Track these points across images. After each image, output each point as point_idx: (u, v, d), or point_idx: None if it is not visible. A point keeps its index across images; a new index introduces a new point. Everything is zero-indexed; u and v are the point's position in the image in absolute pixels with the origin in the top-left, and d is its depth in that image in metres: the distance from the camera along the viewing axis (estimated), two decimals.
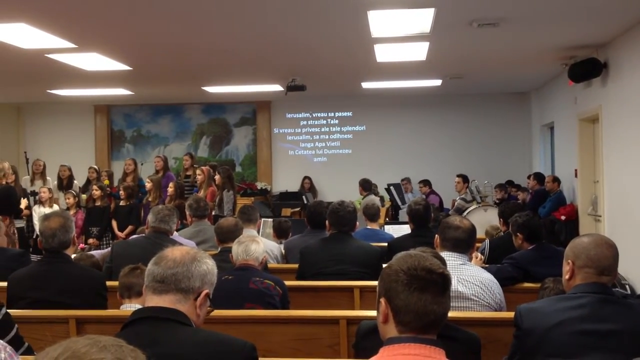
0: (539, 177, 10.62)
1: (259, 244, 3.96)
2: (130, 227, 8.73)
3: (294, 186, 13.63)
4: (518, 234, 4.53)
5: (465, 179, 10.47)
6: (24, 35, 6.79)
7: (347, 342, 3.29)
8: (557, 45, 7.98)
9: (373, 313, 2.09)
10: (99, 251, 6.38)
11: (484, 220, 8.52)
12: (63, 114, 14.22)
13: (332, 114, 14.19)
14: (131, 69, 9.06)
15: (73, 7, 5.86)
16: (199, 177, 8.98)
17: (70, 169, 10.08)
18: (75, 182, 10.08)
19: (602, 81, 8.07)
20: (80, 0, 5.65)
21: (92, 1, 5.68)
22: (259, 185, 13.60)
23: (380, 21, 6.45)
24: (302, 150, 14.32)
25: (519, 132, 13.47)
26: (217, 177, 8.67)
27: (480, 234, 5.29)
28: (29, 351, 2.92)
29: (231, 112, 14.29)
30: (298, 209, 11.93)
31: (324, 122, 14.26)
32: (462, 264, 3.42)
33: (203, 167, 9.22)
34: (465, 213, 9.38)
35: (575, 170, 9.51)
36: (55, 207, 8.90)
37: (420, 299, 1.93)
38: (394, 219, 10.60)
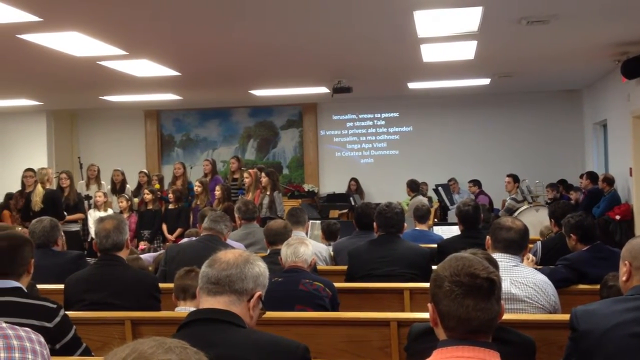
0: (592, 176, 10.37)
1: (308, 246, 3.97)
2: (179, 230, 8.87)
3: (341, 188, 13.63)
4: (571, 234, 4.43)
5: (515, 178, 10.30)
6: (77, 44, 6.98)
7: (398, 345, 3.27)
8: (609, 42, 7.79)
9: (424, 315, 2.09)
10: (152, 254, 6.51)
11: (536, 220, 8.38)
12: (114, 120, 14.56)
13: (379, 115, 14.14)
14: (180, 74, 9.21)
15: (123, 15, 5.99)
16: (247, 180, 9.05)
17: (123, 173, 10.30)
18: (127, 186, 10.30)
19: None
20: (130, 9, 5.78)
21: (142, 9, 5.81)
22: (306, 187, 13.65)
23: (426, 21, 6.41)
24: (349, 151, 14.31)
25: (571, 130, 13.17)
26: (264, 179, 8.71)
27: (532, 234, 5.20)
28: (86, 352, 3.00)
29: (278, 115, 14.39)
30: (346, 210, 11.92)
31: (371, 123, 14.22)
32: (514, 266, 3.36)
33: (250, 170, 9.29)
34: (516, 213, 9.24)
35: (630, 168, 9.26)
36: (110, 211, 9.09)
37: (462, 305, 1.91)
38: (442, 220, 10.50)
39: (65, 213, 8.41)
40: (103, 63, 8.15)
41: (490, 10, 6.04)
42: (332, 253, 5.58)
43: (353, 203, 11.63)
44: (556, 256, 4.47)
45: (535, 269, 3.79)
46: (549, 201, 10.30)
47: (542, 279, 3.38)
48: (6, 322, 2.28)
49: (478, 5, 5.91)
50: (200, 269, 2.25)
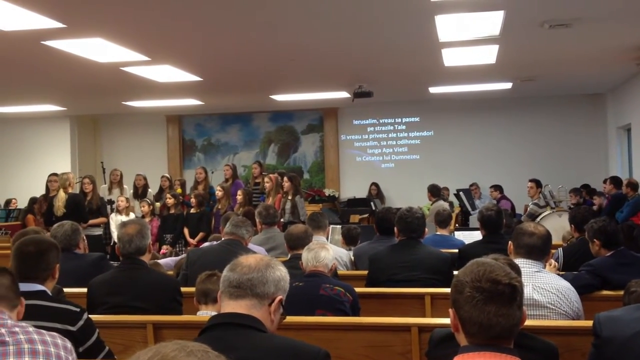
0: (615, 181, 10.23)
1: (329, 251, 3.97)
2: (201, 234, 8.92)
3: (361, 192, 13.62)
4: (595, 240, 4.38)
5: (538, 183, 10.19)
6: (100, 50, 7.06)
7: (419, 350, 3.25)
8: (632, 45, 7.72)
9: (445, 320, 2.08)
10: (173, 258, 6.55)
11: (558, 225, 8.28)
12: (137, 125, 14.70)
13: (400, 120, 14.11)
14: (201, 79, 9.28)
15: (146, 22, 6.05)
16: (267, 185, 9.08)
17: (145, 178, 10.39)
18: (149, 190, 10.39)
19: None
20: (153, 15, 5.84)
21: (164, 16, 5.86)
22: (327, 192, 13.65)
23: (447, 25, 6.39)
24: (370, 156, 14.29)
25: (594, 134, 13.04)
26: (286, 184, 8.74)
27: (554, 240, 5.16)
28: (109, 355, 3.02)
29: (298, 120, 14.42)
30: (366, 215, 11.90)
31: (391, 127, 14.19)
32: (537, 272, 3.33)
33: (271, 175, 9.32)
34: (538, 219, 9.14)
35: None
36: (132, 216, 9.16)
37: (483, 311, 1.89)
38: (463, 225, 10.43)
39: (88, 216, 8.49)
40: (126, 69, 8.23)
41: (512, 14, 6.01)
42: (352, 258, 5.57)
43: (374, 208, 11.60)
44: (578, 262, 4.42)
45: (558, 274, 3.75)
46: (571, 206, 10.18)
47: (564, 285, 3.35)
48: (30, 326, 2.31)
49: (500, 9, 5.89)
50: (222, 273, 2.26)
